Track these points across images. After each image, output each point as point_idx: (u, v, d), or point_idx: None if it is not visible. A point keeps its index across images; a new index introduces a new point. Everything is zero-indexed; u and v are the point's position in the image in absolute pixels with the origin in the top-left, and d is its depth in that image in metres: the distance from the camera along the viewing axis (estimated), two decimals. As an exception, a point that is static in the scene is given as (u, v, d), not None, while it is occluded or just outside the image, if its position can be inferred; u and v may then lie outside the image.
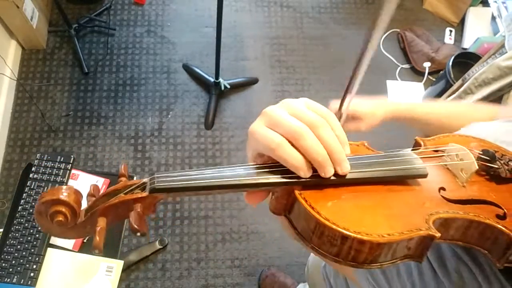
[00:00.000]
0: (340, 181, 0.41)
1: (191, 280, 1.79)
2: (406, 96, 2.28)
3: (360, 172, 0.42)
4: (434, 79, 2.29)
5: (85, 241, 1.15)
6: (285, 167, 0.39)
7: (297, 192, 0.40)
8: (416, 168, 0.44)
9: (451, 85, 1.93)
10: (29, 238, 1.10)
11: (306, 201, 0.39)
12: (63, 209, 0.38)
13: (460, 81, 1.81)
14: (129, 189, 0.41)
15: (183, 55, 2.28)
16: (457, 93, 1.78)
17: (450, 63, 2.04)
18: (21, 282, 1.06)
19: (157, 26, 2.35)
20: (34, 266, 1.08)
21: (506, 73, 1.56)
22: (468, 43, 2.40)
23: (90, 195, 0.42)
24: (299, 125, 0.37)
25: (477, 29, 2.41)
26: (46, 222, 0.39)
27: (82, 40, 2.27)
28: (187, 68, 2.24)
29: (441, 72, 2.19)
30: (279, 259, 1.87)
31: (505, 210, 0.43)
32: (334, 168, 0.39)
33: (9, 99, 2.06)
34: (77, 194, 0.39)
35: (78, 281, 1.08)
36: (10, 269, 1.07)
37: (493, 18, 2.41)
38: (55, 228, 0.40)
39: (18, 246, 1.10)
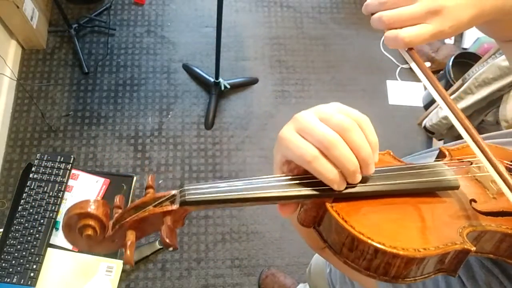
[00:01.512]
0: (372, 193, 0.41)
1: (191, 280, 1.79)
2: (406, 96, 2.28)
3: (391, 184, 0.41)
4: (434, 79, 2.29)
5: (85, 241, 1.15)
6: (317, 179, 0.38)
7: (328, 205, 0.39)
8: (448, 180, 0.43)
9: (451, 85, 1.93)
10: (29, 238, 1.10)
11: (338, 214, 0.38)
12: (92, 222, 0.37)
13: (460, 81, 1.81)
14: (158, 201, 0.40)
15: (183, 55, 2.28)
16: (457, 93, 1.78)
17: (450, 63, 2.04)
18: (21, 282, 1.06)
19: (157, 26, 2.35)
20: (34, 266, 1.08)
21: (506, 73, 1.56)
22: (468, 43, 2.40)
23: (116, 206, 0.41)
24: (330, 135, 0.36)
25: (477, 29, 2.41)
26: (74, 236, 0.38)
27: (82, 40, 2.27)
28: (187, 68, 2.24)
29: (441, 72, 2.19)
30: (279, 259, 1.87)
31: None
32: (361, 171, 0.38)
33: (9, 99, 2.06)
34: (105, 206, 0.38)
35: (78, 281, 1.08)
36: (10, 269, 1.07)
37: (493, 18, 2.41)
38: (83, 241, 0.39)
39: (18, 246, 1.10)
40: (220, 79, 2.08)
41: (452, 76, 2.00)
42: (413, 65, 0.44)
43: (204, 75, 2.17)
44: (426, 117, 2.08)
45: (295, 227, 0.62)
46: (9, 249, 1.09)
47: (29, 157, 1.97)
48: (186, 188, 0.40)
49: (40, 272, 1.08)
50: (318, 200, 0.40)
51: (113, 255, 1.14)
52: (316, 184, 0.39)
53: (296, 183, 0.40)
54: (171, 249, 0.37)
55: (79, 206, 0.37)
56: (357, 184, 0.40)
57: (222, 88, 2.11)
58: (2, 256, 1.09)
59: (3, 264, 1.08)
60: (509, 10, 0.46)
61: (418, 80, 2.36)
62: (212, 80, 2.10)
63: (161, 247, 1.81)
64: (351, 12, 2.50)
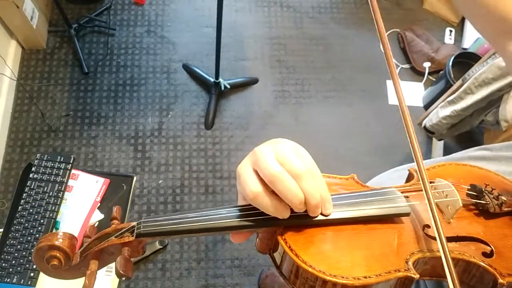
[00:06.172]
0: (321, 222, 0.42)
1: (191, 280, 1.79)
2: (406, 96, 2.28)
3: (340, 212, 0.42)
4: (434, 79, 2.29)
5: (85, 241, 1.15)
6: None
7: (278, 233, 0.41)
8: (397, 207, 0.44)
9: (451, 85, 1.93)
10: (29, 238, 1.10)
11: (286, 242, 0.40)
12: (57, 254, 0.40)
13: (460, 81, 1.81)
14: (119, 232, 0.43)
15: (183, 55, 2.28)
16: (457, 93, 1.78)
17: (450, 63, 2.04)
18: (21, 282, 1.06)
19: (157, 26, 2.35)
20: (34, 266, 1.08)
21: (506, 73, 1.56)
22: (468, 43, 2.40)
23: (86, 236, 0.44)
24: (278, 171, 0.38)
25: (477, 29, 2.41)
26: (43, 265, 0.42)
27: (82, 40, 2.27)
28: (187, 68, 2.24)
29: (441, 72, 2.19)
30: (279, 259, 1.87)
31: (492, 247, 0.42)
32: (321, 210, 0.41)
33: (9, 99, 2.06)
34: (72, 239, 0.42)
35: (78, 281, 1.08)
36: (10, 269, 1.07)
37: (493, 18, 2.41)
38: (51, 270, 0.42)
39: (18, 246, 1.09)
40: (220, 79, 2.08)
41: (452, 76, 1.99)
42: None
43: (204, 75, 2.17)
44: (426, 117, 2.08)
45: None
46: (9, 249, 1.09)
47: (29, 157, 1.97)
48: (143, 221, 0.43)
49: (40, 272, 1.08)
50: (269, 229, 0.42)
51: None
52: (263, 214, 0.41)
53: (247, 214, 0.42)
54: (124, 278, 0.40)
55: (47, 238, 0.41)
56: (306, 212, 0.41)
57: (222, 88, 2.11)
58: (2, 256, 1.09)
59: (3, 264, 1.07)
60: None
61: (418, 80, 2.37)
62: (212, 80, 2.09)
63: (161, 247, 1.81)
64: (351, 12, 2.50)
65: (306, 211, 0.41)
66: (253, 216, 0.41)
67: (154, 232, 0.42)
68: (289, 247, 0.40)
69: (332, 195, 0.43)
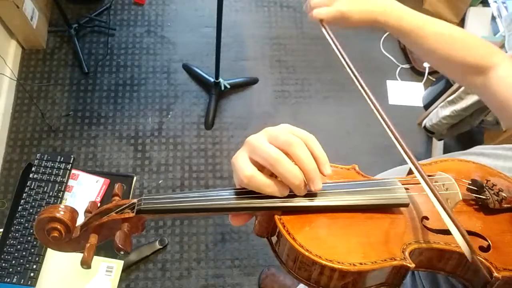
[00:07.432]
0: (320, 207, 0.42)
1: (191, 280, 1.79)
2: (406, 96, 2.28)
3: (339, 199, 0.43)
4: (434, 79, 2.29)
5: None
6: None
7: (276, 217, 0.41)
8: (396, 198, 0.44)
9: (451, 85, 1.93)
10: (29, 238, 1.10)
11: (284, 226, 0.40)
12: (58, 226, 0.41)
13: (460, 81, 1.81)
14: (120, 208, 0.43)
15: (183, 55, 2.28)
16: (457, 93, 1.78)
17: (450, 63, 2.04)
18: (21, 282, 1.06)
19: (157, 26, 2.35)
20: (34, 266, 1.08)
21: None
22: (468, 43, 2.39)
23: (87, 211, 0.45)
24: (274, 152, 0.39)
25: (477, 29, 2.40)
26: (43, 237, 0.42)
27: (82, 40, 2.27)
28: (187, 68, 2.24)
29: (441, 72, 2.18)
30: (279, 259, 1.87)
31: (489, 242, 0.42)
32: (308, 186, 0.40)
33: (9, 99, 2.06)
34: (73, 212, 0.42)
35: (78, 281, 1.08)
36: (10, 269, 1.07)
37: (493, 18, 2.41)
38: (51, 242, 0.42)
39: (18, 246, 1.10)
40: (220, 79, 2.08)
41: (452, 76, 1.99)
42: (327, 36, 0.70)
43: (204, 75, 2.17)
44: (426, 117, 2.08)
45: None
46: (9, 249, 1.09)
47: (29, 157, 1.97)
48: (143, 197, 0.43)
49: (40, 272, 1.08)
50: (268, 212, 0.42)
51: (113, 255, 1.13)
52: (266, 197, 0.41)
53: (248, 196, 0.42)
54: (122, 252, 0.40)
55: (49, 210, 0.41)
56: (305, 197, 0.42)
57: (222, 88, 2.11)
58: (2, 256, 1.09)
59: (3, 264, 1.07)
60: (388, 18, 0.75)
61: (418, 80, 2.37)
62: (212, 80, 2.09)
63: (161, 247, 1.81)
64: (351, 12, 2.50)
65: (307, 195, 0.41)
66: (253, 198, 0.42)
67: (155, 209, 0.42)
68: (287, 230, 0.40)
69: (332, 182, 0.43)
